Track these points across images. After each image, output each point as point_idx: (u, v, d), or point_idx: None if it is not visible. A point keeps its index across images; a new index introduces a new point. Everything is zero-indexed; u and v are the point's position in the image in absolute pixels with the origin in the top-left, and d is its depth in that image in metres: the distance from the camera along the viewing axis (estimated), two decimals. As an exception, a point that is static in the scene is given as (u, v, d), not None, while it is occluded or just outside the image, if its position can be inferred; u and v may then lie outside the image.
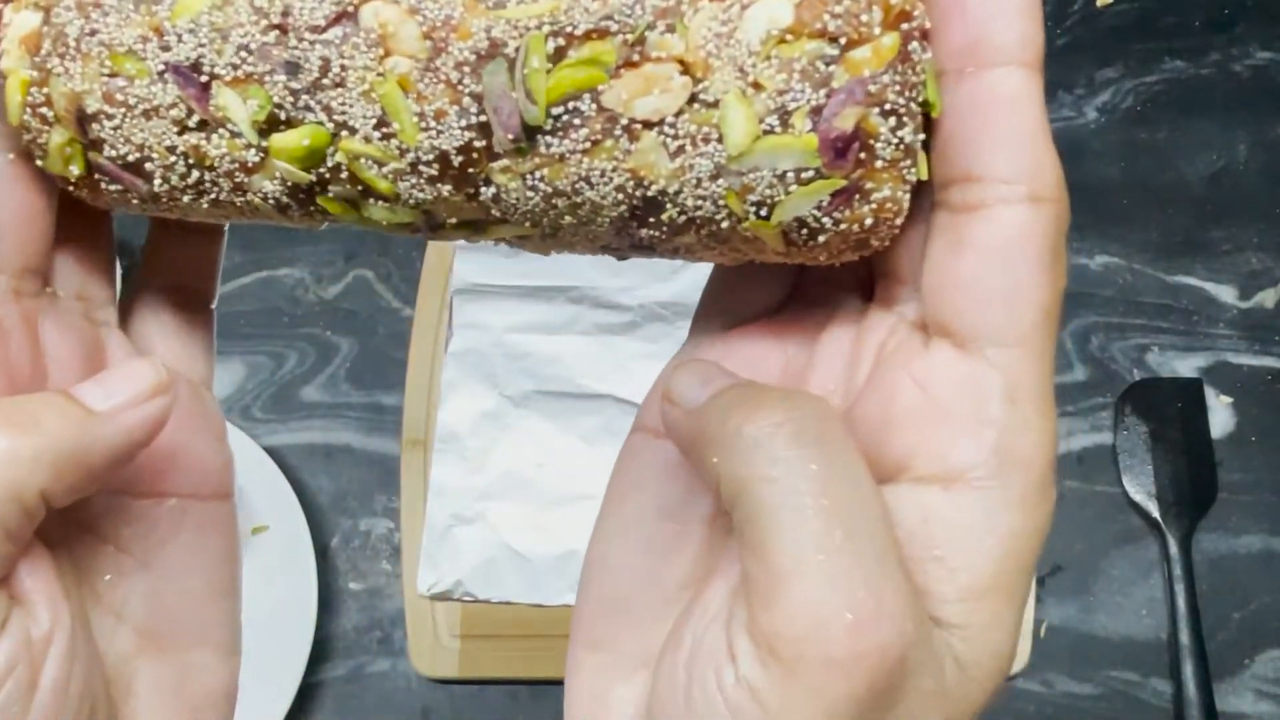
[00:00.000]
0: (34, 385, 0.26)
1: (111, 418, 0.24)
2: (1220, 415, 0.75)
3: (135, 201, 0.25)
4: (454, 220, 0.24)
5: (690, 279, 0.65)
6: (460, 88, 0.22)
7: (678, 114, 0.22)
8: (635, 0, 0.22)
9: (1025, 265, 0.22)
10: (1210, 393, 0.75)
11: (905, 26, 0.22)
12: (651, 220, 0.23)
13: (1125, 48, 0.82)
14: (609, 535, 0.26)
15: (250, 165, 0.24)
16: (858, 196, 0.23)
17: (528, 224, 0.24)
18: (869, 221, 0.23)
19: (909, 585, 0.21)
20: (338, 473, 0.75)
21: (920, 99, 0.22)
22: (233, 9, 0.23)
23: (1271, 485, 0.73)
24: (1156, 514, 0.72)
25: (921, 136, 0.23)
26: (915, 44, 0.22)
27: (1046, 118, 0.22)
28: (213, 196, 0.25)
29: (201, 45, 0.23)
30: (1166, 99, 0.81)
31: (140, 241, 0.30)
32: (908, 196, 0.23)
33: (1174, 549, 0.71)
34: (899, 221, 0.23)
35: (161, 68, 0.23)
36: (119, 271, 0.29)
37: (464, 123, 0.22)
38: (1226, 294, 0.77)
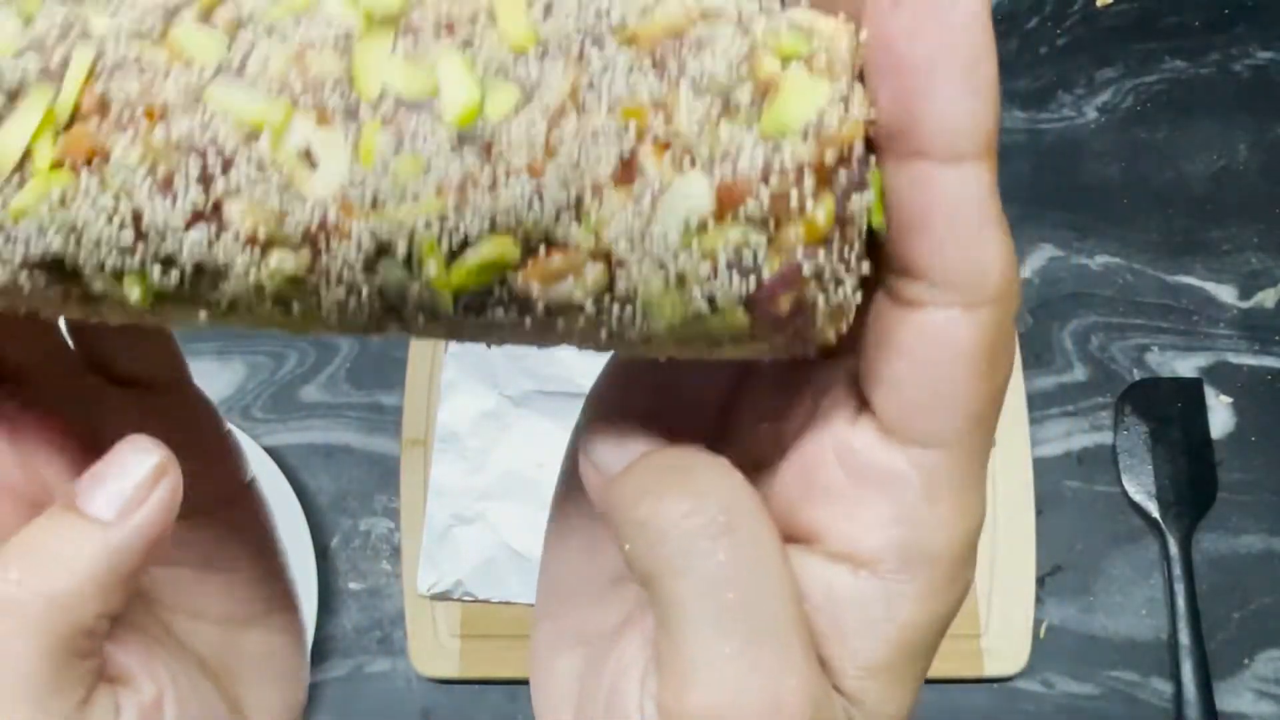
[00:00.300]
0: (28, 486, 0.25)
1: (124, 521, 0.23)
2: (1220, 415, 0.75)
3: None
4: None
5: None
6: (356, 283, 0.20)
7: (598, 299, 0.20)
8: (532, 192, 0.19)
9: (955, 375, 0.20)
10: (1210, 393, 0.75)
11: (845, 174, 0.19)
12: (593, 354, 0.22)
13: (1125, 48, 0.82)
14: (556, 521, 0.27)
15: (151, 320, 0.22)
16: (798, 342, 0.21)
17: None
18: (813, 355, 0.22)
19: (812, 668, 0.21)
20: (338, 473, 0.75)
21: (863, 237, 0.20)
22: (76, 206, 0.19)
23: (1271, 485, 0.73)
24: (1156, 514, 0.72)
25: (866, 265, 0.20)
26: (855, 196, 0.20)
27: (996, 208, 0.20)
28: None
29: (55, 243, 0.20)
30: (1166, 99, 0.81)
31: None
32: (851, 315, 0.21)
33: (1174, 549, 0.71)
34: (845, 330, 0.22)
35: (21, 262, 0.20)
36: None
37: (370, 308, 0.20)
38: (1226, 294, 0.77)
